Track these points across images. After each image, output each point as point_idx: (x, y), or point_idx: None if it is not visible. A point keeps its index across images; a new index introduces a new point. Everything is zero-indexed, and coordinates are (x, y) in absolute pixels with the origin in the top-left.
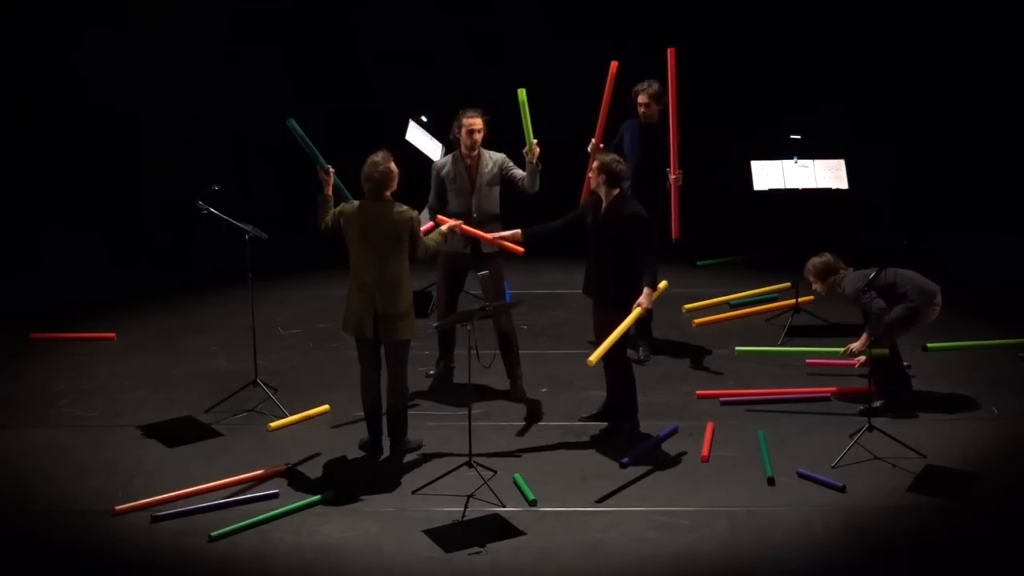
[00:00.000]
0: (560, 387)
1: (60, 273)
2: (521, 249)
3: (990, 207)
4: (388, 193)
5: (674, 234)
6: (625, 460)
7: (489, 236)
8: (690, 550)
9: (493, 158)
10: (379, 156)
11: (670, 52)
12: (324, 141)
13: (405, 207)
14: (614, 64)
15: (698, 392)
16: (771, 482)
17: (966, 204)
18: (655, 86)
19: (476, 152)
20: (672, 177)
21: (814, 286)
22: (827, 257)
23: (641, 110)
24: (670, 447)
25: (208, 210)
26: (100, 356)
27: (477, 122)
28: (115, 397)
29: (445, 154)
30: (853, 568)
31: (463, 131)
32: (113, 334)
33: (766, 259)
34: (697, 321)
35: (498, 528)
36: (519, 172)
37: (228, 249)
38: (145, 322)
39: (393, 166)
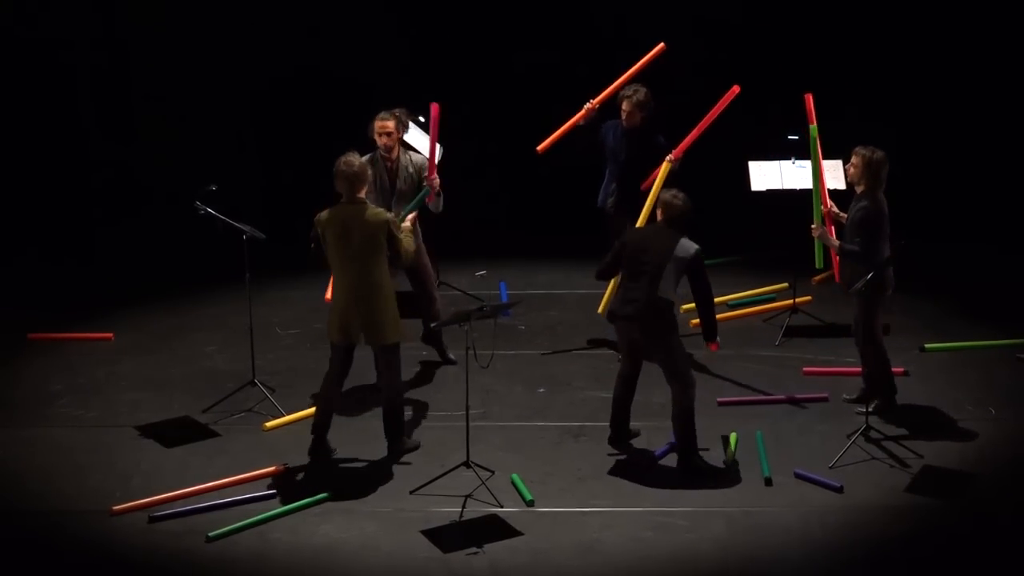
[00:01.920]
0: (558, 387)
1: (58, 273)
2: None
3: (987, 221)
4: (362, 194)
5: (643, 185)
6: (657, 452)
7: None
8: (687, 550)
9: (414, 161)
10: (351, 155)
11: (734, 89)
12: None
13: (380, 209)
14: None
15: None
16: (768, 482)
17: (962, 217)
18: (640, 93)
19: (394, 154)
20: (670, 157)
21: (853, 160)
22: (883, 156)
23: (623, 116)
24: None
25: (205, 210)
26: (98, 356)
27: (387, 125)
28: (113, 397)
29: (443, 155)
30: (850, 568)
31: (375, 134)
32: (111, 334)
33: (763, 259)
34: (694, 321)
35: (496, 528)
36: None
37: (226, 249)
38: (143, 322)
39: (364, 168)
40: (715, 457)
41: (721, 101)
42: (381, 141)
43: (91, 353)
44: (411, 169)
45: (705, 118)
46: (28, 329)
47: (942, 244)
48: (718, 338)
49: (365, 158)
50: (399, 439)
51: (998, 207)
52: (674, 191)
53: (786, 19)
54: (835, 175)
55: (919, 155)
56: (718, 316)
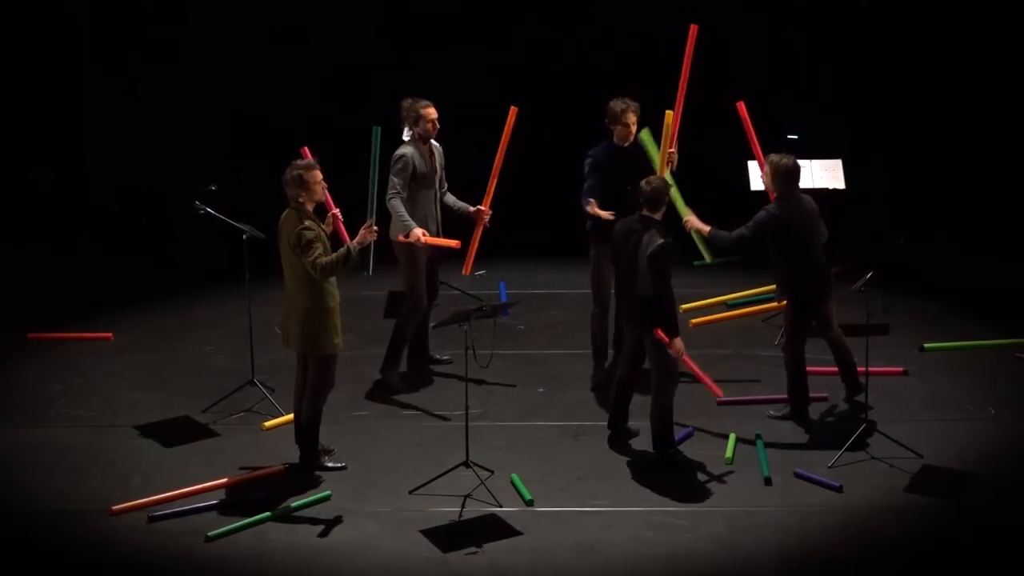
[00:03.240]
0: (557, 387)
1: (57, 273)
2: (456, 243)
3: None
4: (302, 199)
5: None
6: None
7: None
8: (687, 550)
9: (438, 149)
10: (300, 161)
11: (693, 29)
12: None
13: (306, 221)
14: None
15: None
16: (768, 482)
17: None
18: (636, 104)
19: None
20: (671, 155)
21: (766, 168)
22: (793, 163)
23: (629, 130)
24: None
25: (205, 210)
26: (97, 356)
27: (434, 111)
28: (112, 397)
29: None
30: (850, 568)
31: (424, 121)
32: (110, 334)
33: (762, 259)
34: (694, 321)
35: (495, 528)
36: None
37: (225, 249)
38: (142, 322)
39: (308, 174)
40: (715, 458)
41: (688, 49)
42: (432, 127)
43: (91, 353)
44: (439, 157)
45: (681, 81)
46: (27, 328)
47: (942, 245)
48: (677, 339)
49: (404, 149)
50: (312, 455)
51: (998, 209)
52: (650, 177)
53: (782, 20)
54: (834, 175)
55: (919, 156)
56: (718, 316)
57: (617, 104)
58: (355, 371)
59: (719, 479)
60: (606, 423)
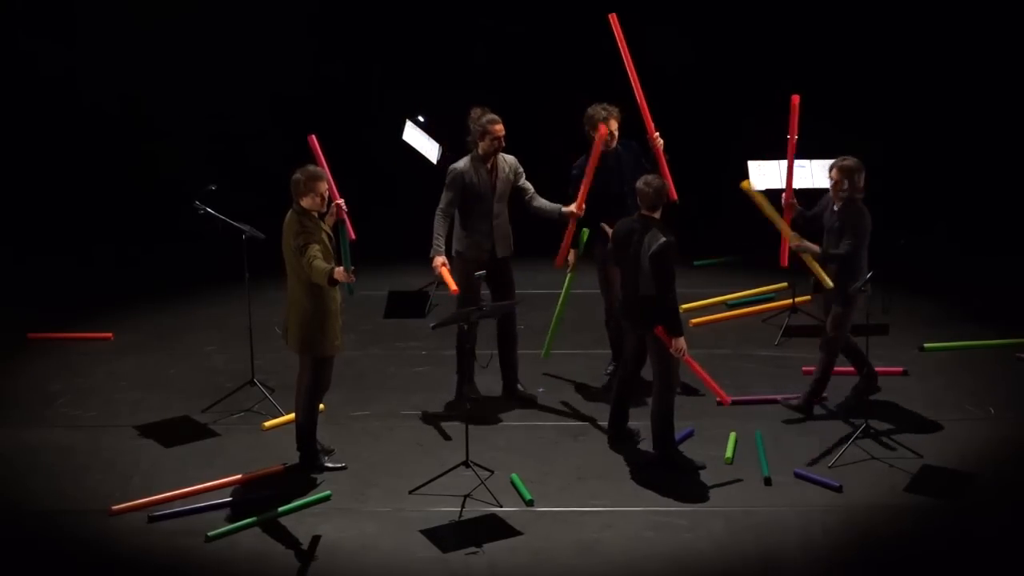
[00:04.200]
0: (557, 387)
1: (57, 272)
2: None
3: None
4: (305, 204)
5: (672, 195)
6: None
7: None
8: (687, 550)
9: (508, 161)
10: (310, 167)
11: (612, 18)
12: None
13: (307, 224)
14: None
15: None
16: (768, 482)
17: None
18: (616, 109)
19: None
20: (656, 141)
21: (833, 171)
22: (857, 163)
23: (613, 137)
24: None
25: (205, 210)
26: (97, 356)
27: (502, 127)
28: (112, 397)
29: (442, 154)
30: (850, 568)
31: (490, 138)
32: (110, 334)
33: (763, 259)
34: (694, 321)
35: (495, 528)
36: (531, 186)
37: (225, 249)
38: (142, 322)
39: (312, 184)
40: (715, 458)
41: (619, 36)
42: (496, 145)
43: (91, 353)
44: (507, 170)
45: (630, 71)
46: (28, 329)
47: (942, 244)
48: (679, 339)
49: (459, 163)
50: (310, 457)
51: (999, 208)
52: (648, 177)
53: (782, 20)
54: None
55: (919, 155)
56: (718, 316)
57: (598, 112)
58: (355, 371)
59: (719, 479)
60: (606, 423)
